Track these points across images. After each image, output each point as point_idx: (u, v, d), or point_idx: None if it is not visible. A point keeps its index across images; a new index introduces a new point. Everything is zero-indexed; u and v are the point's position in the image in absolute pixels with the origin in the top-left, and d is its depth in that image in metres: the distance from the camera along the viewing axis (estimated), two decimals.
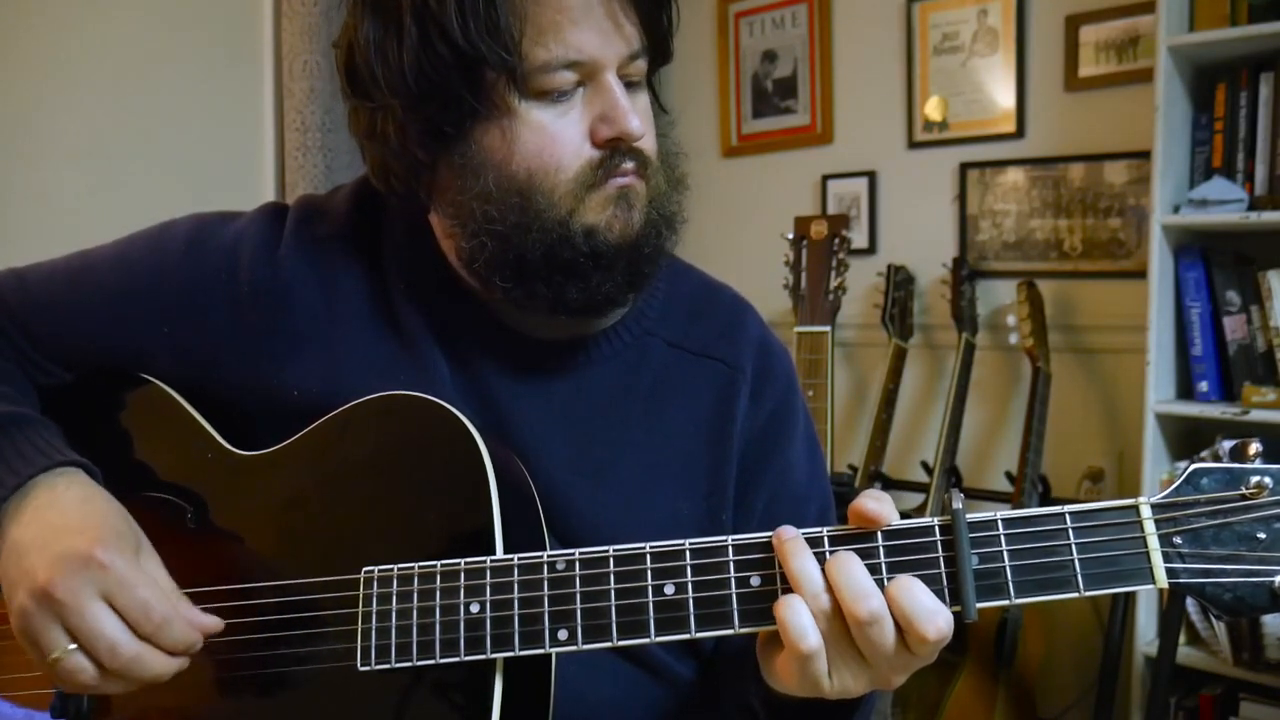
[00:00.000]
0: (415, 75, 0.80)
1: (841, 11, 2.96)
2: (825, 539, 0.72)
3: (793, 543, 0.71)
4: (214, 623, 0.80)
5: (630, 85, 0.85)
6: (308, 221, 0.95)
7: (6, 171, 2.13)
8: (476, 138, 0.83)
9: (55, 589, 0.74)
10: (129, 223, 1.01)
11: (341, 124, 2.59)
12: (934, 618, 0.67)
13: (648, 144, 0.87)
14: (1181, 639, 2.14)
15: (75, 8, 2.21)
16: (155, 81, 2.35)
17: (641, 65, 0.86)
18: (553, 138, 0.82)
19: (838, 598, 0.68)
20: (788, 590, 0.70)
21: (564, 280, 0.85)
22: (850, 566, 0.69)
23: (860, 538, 0.71)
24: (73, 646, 0.75)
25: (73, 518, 0.79)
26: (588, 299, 0.86)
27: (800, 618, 0.68)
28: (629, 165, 0.84)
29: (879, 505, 0.71)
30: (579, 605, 0.74)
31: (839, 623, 0.69)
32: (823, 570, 0.70)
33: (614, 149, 0.83)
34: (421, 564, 0.77)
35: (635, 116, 0.83)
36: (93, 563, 0.75)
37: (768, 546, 0.72)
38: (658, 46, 0.88)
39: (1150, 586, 0.67)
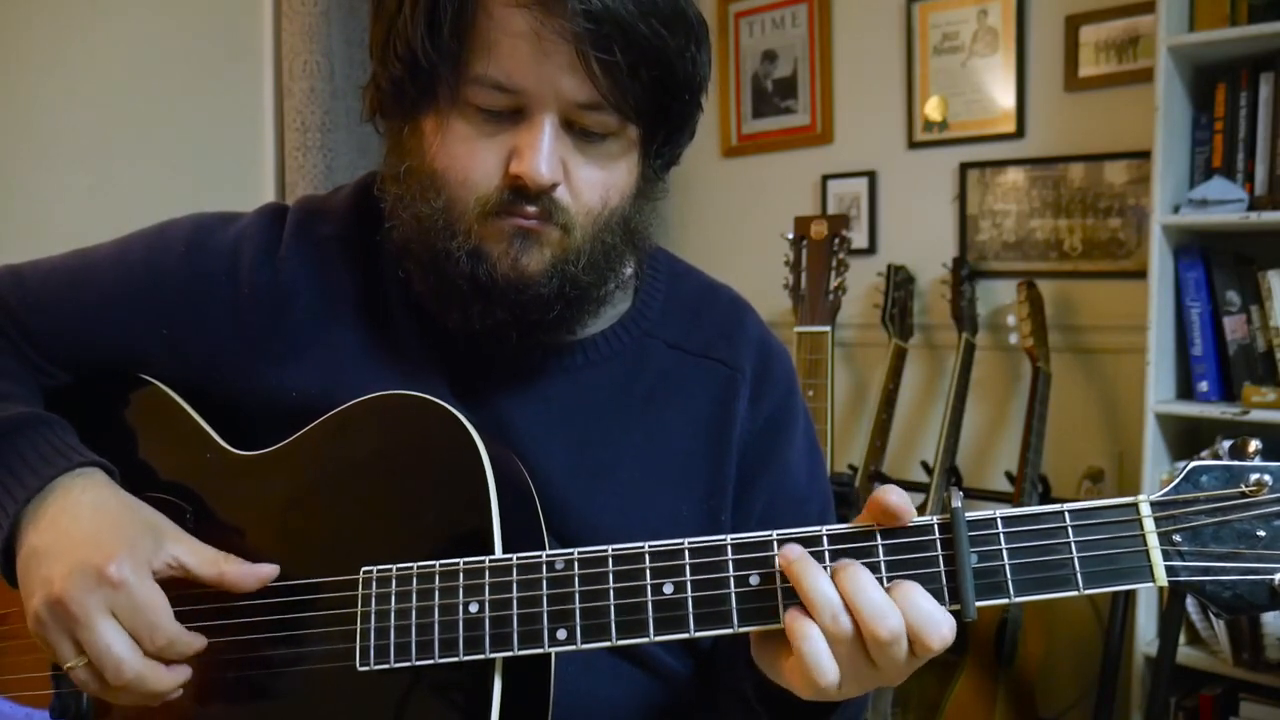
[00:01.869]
0: (381, 45, 0.83)
1: (841, 11, 2.96)
2: (824, 538, 0.72)
3: (801, 563, 0.70)
4: (270, 570, 0.82)
5: (586, 140, 0.82)
6: (308, 222, 0.95)
7: (6, 171, 2.13)
8: (419, 121, 0.84)
9: (69, 602, 0.76)
10: (129, 223, 1.01)
11: (341, 124, 2.60)
12: (939, 626, 0.67)
13: (578, 200, 0.82)
14: (1181, 639, 2.14)
15: (75, 8, 2.21)
16: (155, 81, 2.35)
17: (600, 119, 0.80)
18: (471, 152, 0.81)
19: (855, 618, 0.68)
20: (788, 590, 0.70)
21: (446, 300, 0.85)
22: (864, 584, 0.68)
23: (859, 537, 0.71)
24: (83, 660, 0.77)
25: (87, 526, 0.79)
26: (467, 327, 0.86)
27: (817, 648, 0.68)
28: (531, 209, 0.81)
29: (901, 500, 0.70)
30: (578, 605, 0.74)
31: (857, 641, 0.68)
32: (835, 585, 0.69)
33: (518, 188, 0.80)
34: (420, 564, 0.77)
35: (546, 163, 0.79)
36: (105, 579, 0.76)
37: (767, 545, 0.72)
38: (657, 113, 0.83)
39: (1150, 584, 0.67)
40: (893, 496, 0.70)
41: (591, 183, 0.83)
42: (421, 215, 0.83)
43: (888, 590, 0.68)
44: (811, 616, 0.68)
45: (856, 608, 0.67)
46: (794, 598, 0.70)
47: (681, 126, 0.88)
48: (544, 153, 0.79)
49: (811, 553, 0.71)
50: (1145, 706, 2.18)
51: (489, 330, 0.86)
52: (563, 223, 0.82)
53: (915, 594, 0.68)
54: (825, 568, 0.70)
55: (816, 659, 0.68)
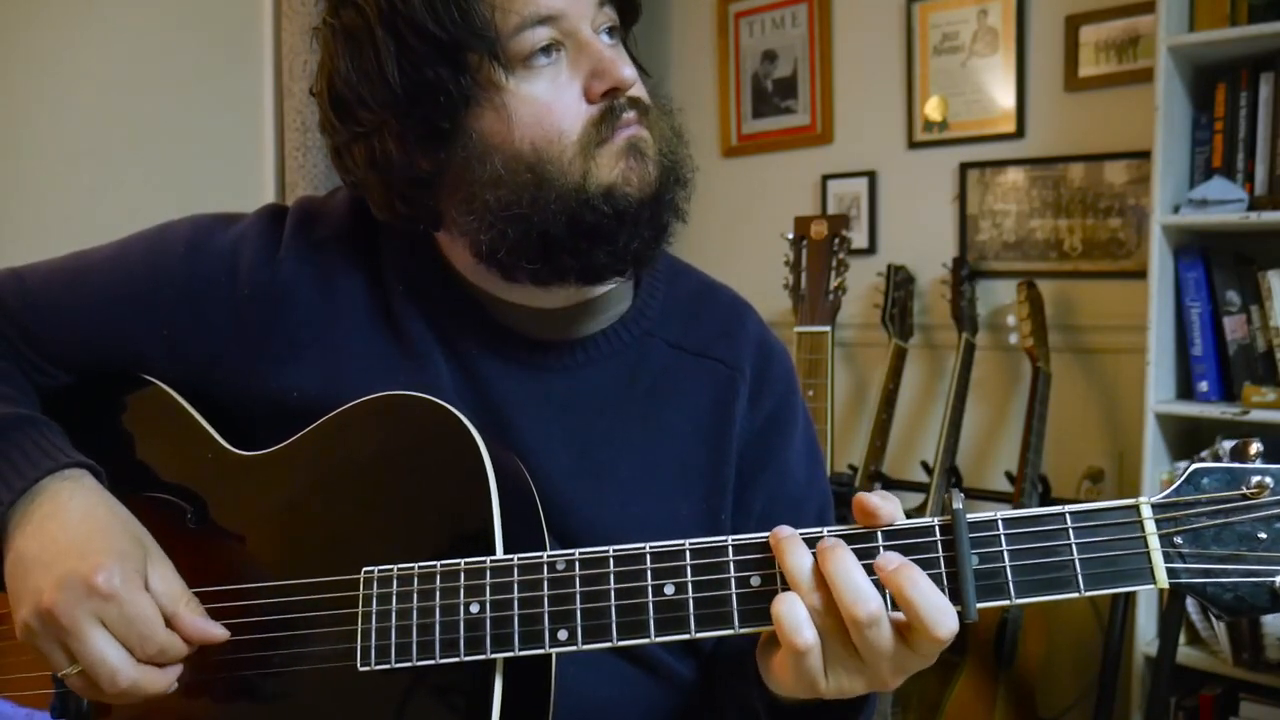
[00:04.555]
0: (399, 79, 0.80)
1: (841, 11, 2.96)
2: (825, 538, 0.71)
3: (788, 540, 0.71)
4: (220, 633, 0.81)
5: (610, 38, 0.86)
6: (307, 223, 0.95)
7: (6, 171, 2.13)
8: (473, 126, 0.83)
9: (58, 614, 0.76)
10: (129, 223, 1.01)
11: None
12: (944, 616, 0.66)
13: (643, 92, 0.87)
14: (1181, 639, 2.14)
15: (75, 8, 2.21)
16: (155, 81, 2.35)
17: (612, 13, 0.86)
18: (548, 105, 0.82)
19: (835, 600, 0.68)
20: (787, 589, 0.70)
21: (590, 246, 0.84)
22: (845, 565, 0.68)
23: (860, 538, 0.71)
24: (77, 669, 0.77)
25: (76, 533, 0.79)
26: (616, 260, 0.86)
27: (795, 612, 0.68)
28: (630, 115, 0.84)
29: (883, 502, 0.71)
30: (579, 605, 0.74)
31: (834, 619, 0.68)
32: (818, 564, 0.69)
33: (612, 101, 0.83)
34: (421, 564, 0.77)
35: (622, 65, 0.83)
36: (95, 591, 0.76)
37: (768, 546, 0.72)
38: (625, 3, 0.88)
39: (1151, 586, 0.67)
40: (874, 500, 0.71)
41: (635, 76, 0.86)
42: (539, 197, 0.82)
43: (893, 573, 0.68)
44: (792, 589, 0.69)
45: (836, 588, 0.68)
46: None
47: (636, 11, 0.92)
48: (611, 57, 0.83)
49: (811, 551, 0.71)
50: (1145, 706, 2.18)
51: (632, 254, 0.86)
52: (645, 118, 0.86)
53: (919, 580, 0.67)
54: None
55: (795, 622, 0.68)
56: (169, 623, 0.80)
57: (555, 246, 0.84)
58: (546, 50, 0.81)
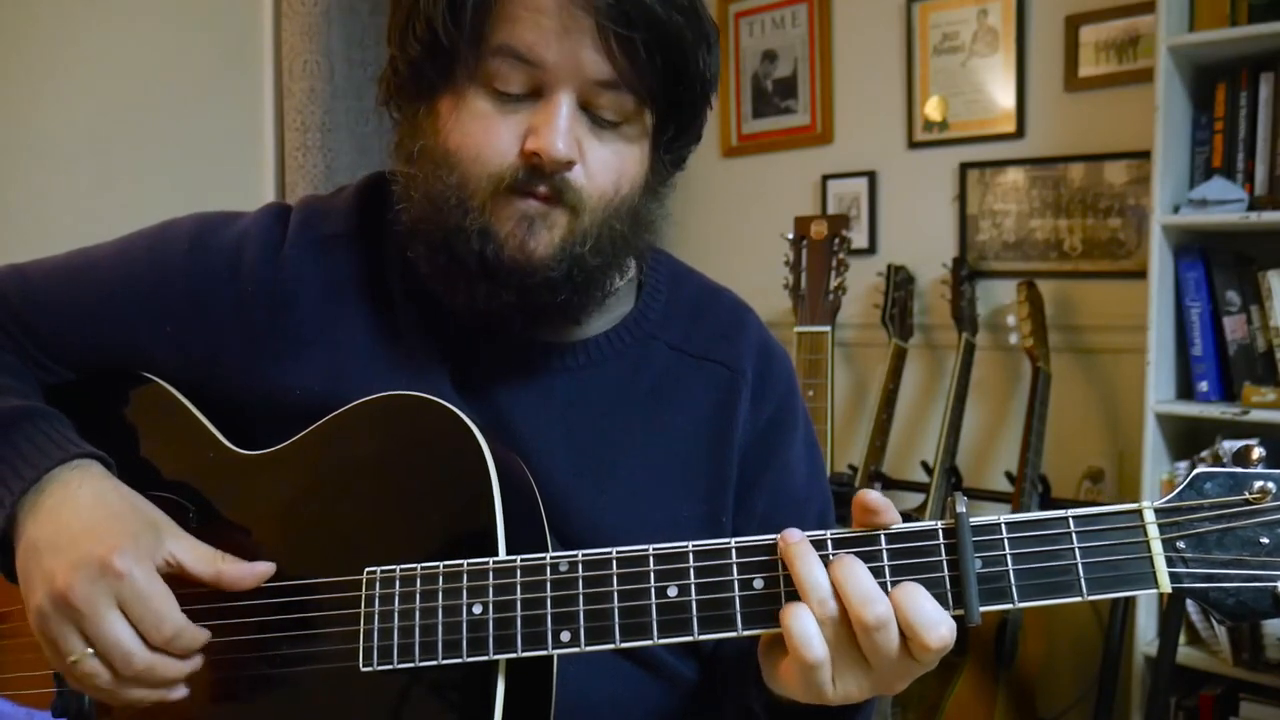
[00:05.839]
0: (400, 30, 0.83)
1: (841, 11, 2.95)
2: (829, 541, 0.72)
3: (799, 546, 0.71)
4: (266, 568, 0.82)
5: (601, 123, 0.82)
6: (311, 222, 0.95)
7: (7, 171, 2.13)
8: (435, 103, 0.84)
9: (73, 595, 0.75)
10: (129, 223, 1.01)
11: (341, 124, 2.60)
12: (937, 626, 0.67)
13: (591, 181, 0.82)
14: (1181, 639, 2.15)
15: (75, 8, 2.21)
16: (155, 81, 2.35)
17: (616, 101, 0.82)
18: (485, 129, 0.81)
19: (844, 602, 0.68)
20: (791, 594, 0.70)
21: (454, 279, 0.85)
22: (855, 570, 0.69)
23: (864, 540, 0.71)
24: (90, 651, 0.76)
25: (88, 518, 0.79)
26: (472, 309, 0.85)
27: (806, 627, 0.68)
28: (542, 189, 0.81)
29: (882, 497, 0.71)
30: (581, 607, 0.74)
31: (845, 628, 0.69)
32: (828, 574, 0.70)
33: (533, 166, 0.80)
34: (424, 565, 0.77)
35: (563, 139, 0.79)
36: (110, 571, 0.76)
37: (771, 549, 0.72)
38: (669, 103, 0.84)
39: (1153, 591, 0.67)
40: (873, 495, 0.71)
41: (606, 165, 0.83)
42: (433, 194, 0.83)
43: (891, 590, 0.69)
44: (803, 599, 0.69)
45: (845, 592, 0.68)
46: (796, 597, 0.70)
47: (691, 122, 0.89)
48: (561, 129, 0.79)
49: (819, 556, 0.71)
50: (1145, 706, 2.18)
51: (495, 312, 0.85)
52: (573, 204, 0.82)
53: (915, 591, 0.68)
54: (828, 556, 0.71)
55: (805, 637, 0.68)
56: (216, 583, 0.80)
57: (429, 252, 0.85)
58: (514, 94, 0.81)
